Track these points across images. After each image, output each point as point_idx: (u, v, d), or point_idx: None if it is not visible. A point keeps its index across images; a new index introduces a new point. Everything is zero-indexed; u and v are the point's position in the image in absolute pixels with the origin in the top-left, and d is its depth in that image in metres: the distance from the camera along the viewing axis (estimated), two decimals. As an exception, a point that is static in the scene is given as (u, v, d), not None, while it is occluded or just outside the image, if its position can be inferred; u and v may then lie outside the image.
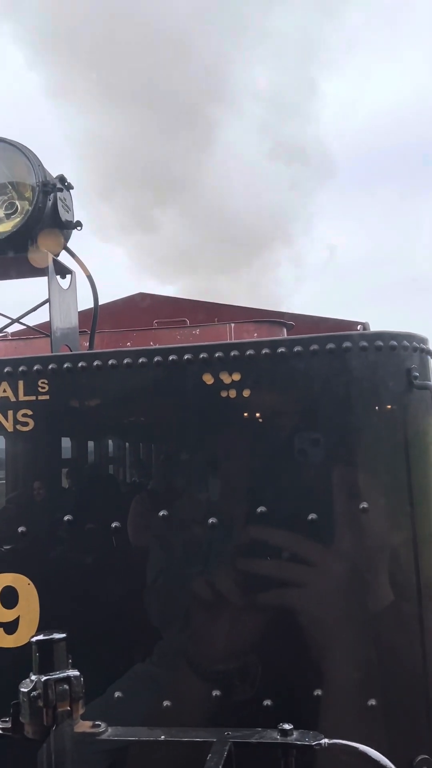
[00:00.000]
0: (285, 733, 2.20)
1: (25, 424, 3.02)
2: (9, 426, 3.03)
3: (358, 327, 6.78)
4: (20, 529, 2.99)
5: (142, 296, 7.46)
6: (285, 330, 5.96)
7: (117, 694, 2.85)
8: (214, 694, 2.79)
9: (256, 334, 5.65)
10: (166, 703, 2.82)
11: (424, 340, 2.99)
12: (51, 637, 2.10)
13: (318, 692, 2.74)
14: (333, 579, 2.81)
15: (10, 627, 2.94)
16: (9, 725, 2.12)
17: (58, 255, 3.95)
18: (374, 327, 6.40)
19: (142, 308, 7.10)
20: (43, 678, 2.03)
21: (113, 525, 2.90)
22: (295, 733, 2.19)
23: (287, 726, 2.21)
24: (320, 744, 2.15)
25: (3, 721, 2.18)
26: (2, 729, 2.17)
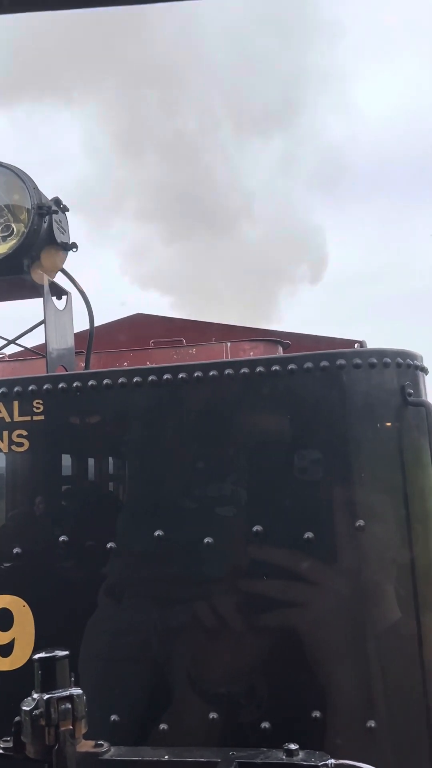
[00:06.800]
0: (291, 753, 2.14)
1: (20, 444, 3.02)
2: (4, 446, 3.03)
3: (356, 345, 6.79)
4: (15, 550, 2.97)
5: (139, 316, 7.48)
6: (281, 348, 5.97)
7: (113, 717, 2.81)
8: (211, 717, 2.76)
9: (252, 353, 5.66)
10: (162, 726, 2.79)
11: (417, 357, 3.00)
12: (53, 654, 2.06)
13: (316, 714, 2.71)
14: (330, 598, 2.79)
15: (5, 650, 2.91)
16: (10, 745, 2.08)
17: (53, 276, 3.98)
18: (371, 344, 6.42)
19: (139, 328, 7.12)
20: (45, 696, 1.99)
21: (108, 545, 2.88)
22: (301, 754, 2.14)
23: (293, 746, 2.15)
24: (326, 765, 2.09)
25: (4, 741, 2.14)
26: (3, 749, 2.12)
